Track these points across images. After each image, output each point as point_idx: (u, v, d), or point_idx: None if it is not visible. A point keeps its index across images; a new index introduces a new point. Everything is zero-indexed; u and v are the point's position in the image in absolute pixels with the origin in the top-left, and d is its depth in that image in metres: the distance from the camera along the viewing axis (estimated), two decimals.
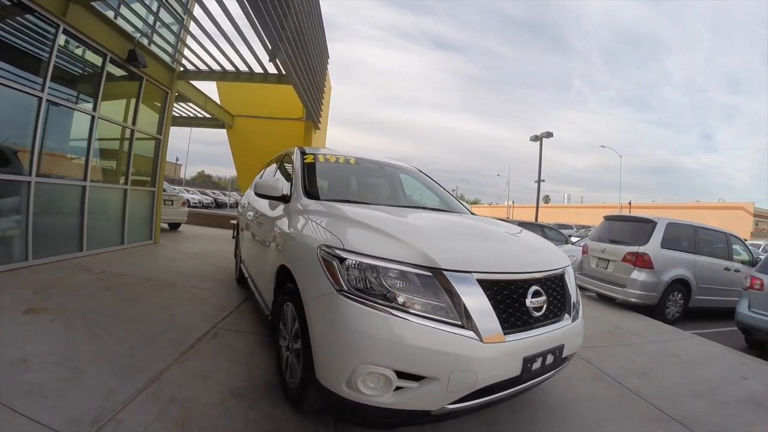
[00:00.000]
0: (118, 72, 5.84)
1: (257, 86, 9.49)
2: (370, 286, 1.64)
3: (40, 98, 4.39)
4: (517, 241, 2.39)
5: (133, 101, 6.29)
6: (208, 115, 10.34)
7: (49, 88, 4.48)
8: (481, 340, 1.62)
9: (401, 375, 1.58)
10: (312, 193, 2.75)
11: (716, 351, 4.41)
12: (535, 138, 21.64)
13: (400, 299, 1.62)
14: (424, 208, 3.15)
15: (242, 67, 7.17)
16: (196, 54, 6.63)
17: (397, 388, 1.60)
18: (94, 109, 5.36)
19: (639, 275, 6.07)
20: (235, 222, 9.78)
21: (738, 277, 6.86)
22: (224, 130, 11.36)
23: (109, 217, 6.07)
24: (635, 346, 4.20)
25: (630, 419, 2.55)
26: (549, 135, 21.33)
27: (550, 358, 1.89)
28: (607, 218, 7.52)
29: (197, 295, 4.12)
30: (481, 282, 1.73)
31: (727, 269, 6.78)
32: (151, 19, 5.82)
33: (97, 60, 5.38)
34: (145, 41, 6.03)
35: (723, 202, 40.73)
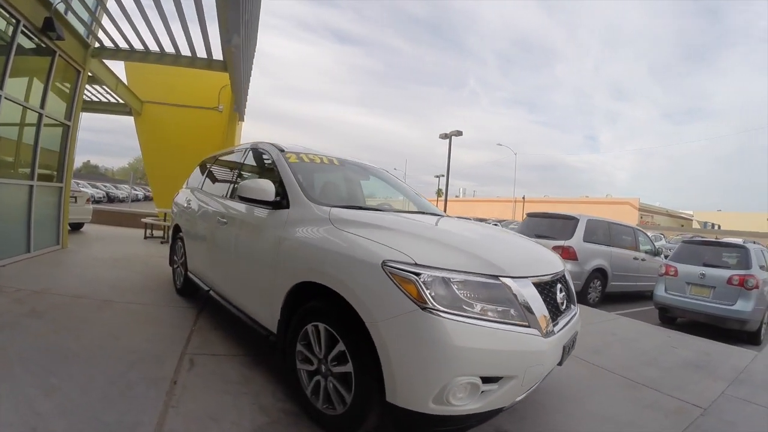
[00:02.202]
0: (28, 44, 4.72)
1: (169, 70, 8.40)
2: (451, 299, 1.63)
3: None
4: (535, 245, 2.56)
5: (42, 80, 5.13)
6: (114, 100, 8.97)
7: None
8: (543, 336, 1.77)
9: (485, 379, 1.65)
10: (316, 198, 2.49)
11: (644, 328, 5.15)
12: (445, 136, 22.38)
13: (477, 308, 1.65)
14: (423, 213, 3.06)
15: (168, 48, 6.32)
16: (119, 28, 5.62)
17: (481, 393, 1.67)
18: (0, 87, 4.27)
19: (565, 266, 6.71)
20: (150, 222, 8.90)
21: (644, 265, 8.00)
22: (124, 117, 9.97)
23: (13, 219, 4.94)
24: None
25: (609, 388, 2.98)
26: (459, 133, 22.11)
27: (571, 343, 2.17)
28: (531, 215, 8.16)
29: (142, 313, 3.53)
30: (535, 285, 1.89)
31: (635, 258, 7.83)
32: None
33: (7, 27, 4.29)
34: (62, 8, 4.95)
35: (611, 198, 46.87)
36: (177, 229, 4.44)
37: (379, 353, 1.66)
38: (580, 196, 51.00)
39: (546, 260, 2.28)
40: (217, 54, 6.90)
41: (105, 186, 31.84)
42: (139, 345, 2.81)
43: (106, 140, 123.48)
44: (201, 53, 6.79)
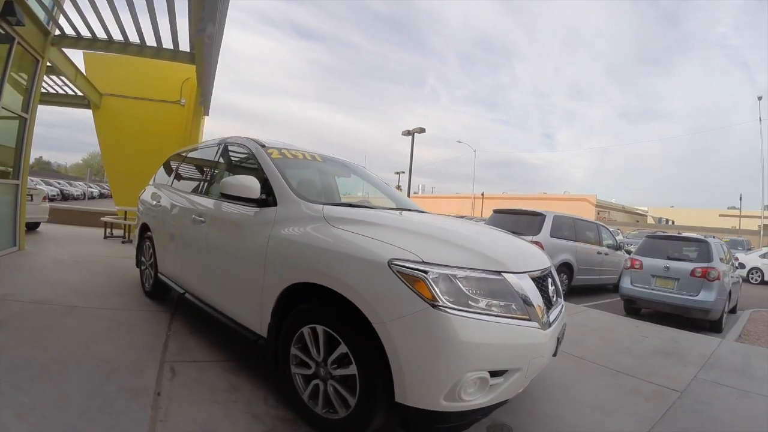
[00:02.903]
0: None
1: (130, 61, 8.06)
2: (459, 296, 1.64)
3: None
4: (524, 242, 2.63)
5: None
6: (72, 92, 8.40)
7: None
8: (542, 328, 1.81)
9: (492, 373, 1.68)
10: (305, 196, 2.40)
11: (613, 319, 5.39)
12: (408, 132, 22.21)
13: (483, 303, 1.67)
14: (410, 210, 3.03)
15: (133, 37, 5.98)
16: (82, 14, 5.23)
17: (489, 386, 1.70)
18: None
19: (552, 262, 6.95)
20: (109, 220, 8.40)
21: (607, 259, 8.34)
22: (78, 111, 9.42)
23: None
24: None
25: (591, 377, 3.14)
26: (422, 130, 21.97)
27: (562, 335, 2.26)
28: (497, 211, 8.28)
29: (112, 318, 3.31)
30: (533, 279, 1.93)
31: (599, 253, 8.16)
32: None
33: None
34: None
35: (568, 194, 48.05)
36: (144, 228, 4.19)
37: (388, 354, 1.64)
38: (539, 193, 51.63)
39: (537, 256, 2.35)
40: (184, 45, 6.62)
41: (59, 183, 29.98)
42: (112, 354, 2.62)
43: (57, 135, 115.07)
44: (167, 44, 6.49)
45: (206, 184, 3.27)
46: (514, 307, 1.73)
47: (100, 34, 5.81)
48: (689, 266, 5.76)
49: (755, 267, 14.16)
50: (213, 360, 2.74)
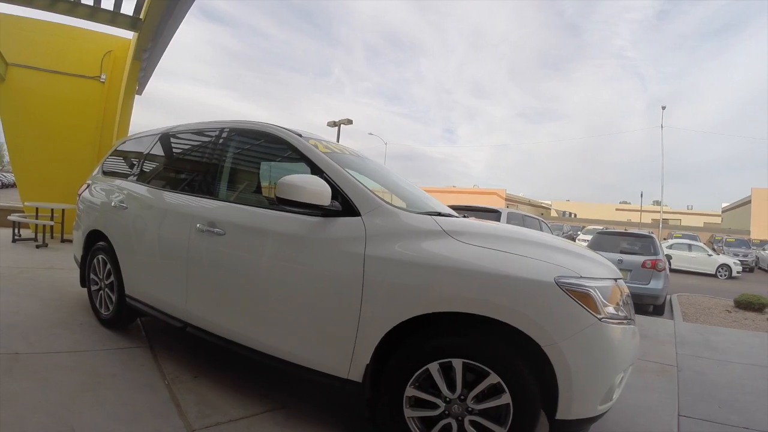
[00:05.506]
0: None
1: (42, 26, 6.94)
2: (606, 306, 1.73)
3: None
4: None
5: None
6: None
7: None
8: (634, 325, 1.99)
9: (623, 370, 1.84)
10: (390, 202, 2.07)
11: None
12: (333, 124, 21.85)
13: (616, 310, 1.78)
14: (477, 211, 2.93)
15: None
16: None
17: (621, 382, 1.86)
18: None
19: None
20: (18, 220, 6.99)
21: None
22: None
23: None
24: None
25: None
26: (349, 122, 21.64)
27: None
28: (450, 208, 8.53)
29: (76, 369, 2.38)
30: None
31: None
32: None
33: None
34: None
35: (478, 188, 50.45)
36: (95, 236, 3.33)
37: (558, 374, 1.62)
38: (449, 186, 53.02)
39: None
40: (128, 7, 5.80)
41: None
42: (113, 431, 1.83)
43: None
44: (107, 3, 5.64)
45: (211, 182, 2.60)
46: (627, 309, 1.88)
47: None
48: (640, 259, 6.60)
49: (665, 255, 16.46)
50: (253, 413, 2.12)
